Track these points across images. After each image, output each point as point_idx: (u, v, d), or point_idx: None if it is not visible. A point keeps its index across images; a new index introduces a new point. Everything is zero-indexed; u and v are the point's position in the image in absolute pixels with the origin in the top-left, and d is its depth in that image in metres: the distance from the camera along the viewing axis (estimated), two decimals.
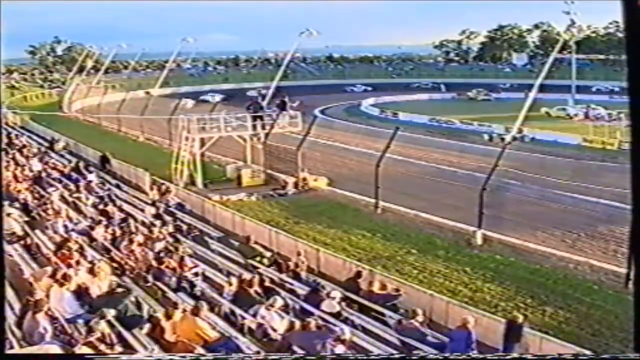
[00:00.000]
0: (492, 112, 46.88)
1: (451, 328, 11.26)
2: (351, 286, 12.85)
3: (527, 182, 21.94)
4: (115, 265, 12.81)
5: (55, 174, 22.72)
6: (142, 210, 18.84)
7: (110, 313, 9.40)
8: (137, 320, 9.91)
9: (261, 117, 25.59)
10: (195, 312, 9.77)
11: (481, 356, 9.90)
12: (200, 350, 9.13)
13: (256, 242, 15.52)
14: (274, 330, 10.23)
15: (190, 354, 8.95)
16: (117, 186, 22.51)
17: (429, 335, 10.71)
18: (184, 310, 9.79)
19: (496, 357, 9.76)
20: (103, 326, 8.84)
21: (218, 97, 52.86)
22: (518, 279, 14.84)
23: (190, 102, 45.68)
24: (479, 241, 17.28)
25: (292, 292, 12.46)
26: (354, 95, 63.93)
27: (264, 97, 26.45)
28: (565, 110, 48.75)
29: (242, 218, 18.40)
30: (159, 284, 12.00)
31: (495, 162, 18.09)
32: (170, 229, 16.33)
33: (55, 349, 8.34)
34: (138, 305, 10.26)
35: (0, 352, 8.01)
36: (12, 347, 8.43)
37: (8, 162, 22.02)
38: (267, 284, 12.19)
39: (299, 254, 14.38)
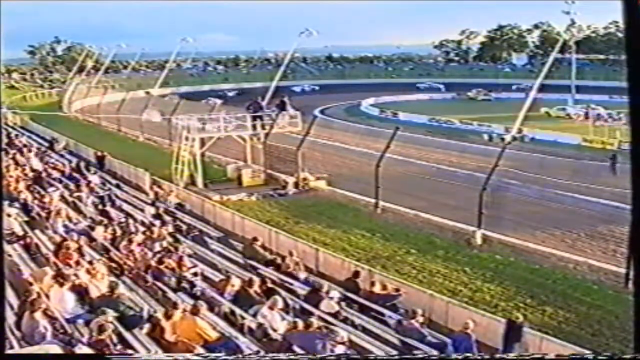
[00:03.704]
0: (492, 112, 46.92)
1: (451, 328, 11.27)
2: (350, 286, 12.85)
3: (527, 182, 21.97)
4: (114, 265, 12.81)
5: (56, 174, 22.71)
6: (142, 210, 18.84)
7: (111, 313, 9.41)
8: (137, 320, 9.91)
9: (261, 117, 25.60)
10: (195, 311, 9.78)
11: (481, 356, 9.91)
12: (200, 350, 9.13)
13: (261, 246, 15.45)
14: (274, 330, 10.22)
15: (190, 354, 8.95)
16: (117, 186, 22.51)
17: (429, 335, 10.71)
18: (184, 310, 9.79)
19: (496, 357, 9.75)
20: (110, 326, 8.86)
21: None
22: (518, 279, 14.84)
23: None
24: (479, 241, 17.29)
25: (291, 291, 12.46)
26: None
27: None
28: (565, 110, 48.79)
29: (242, 218, 18.40)
30: (158, 284, 11.99)
31: (495, 162, 18.10)
32: (170, 229, 16.33)
33: (55, 349, 8.34)
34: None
35: (0, 352, 8.00)
36: (12, 347, 8.43)
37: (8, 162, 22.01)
38: (264, 284, 12.15)
39: (291, 254, 14.35)
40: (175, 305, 9.91)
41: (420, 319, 10.88)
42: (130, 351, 8.74)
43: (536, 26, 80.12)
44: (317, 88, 68.76)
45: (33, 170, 22.29)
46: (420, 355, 9.74)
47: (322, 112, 49.11)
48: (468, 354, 9.85)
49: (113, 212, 17.85)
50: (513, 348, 10.27)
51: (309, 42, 53.39)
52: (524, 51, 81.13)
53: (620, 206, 15.70)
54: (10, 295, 9.95)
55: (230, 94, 61.15)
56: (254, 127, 25.30)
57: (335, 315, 11.24)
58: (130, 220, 16.54)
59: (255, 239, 15.38)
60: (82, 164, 24.85)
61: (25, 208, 16.72)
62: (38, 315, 8.85)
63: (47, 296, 9.83)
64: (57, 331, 9.03)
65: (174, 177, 23.88)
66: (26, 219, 15.82)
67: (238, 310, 10.89)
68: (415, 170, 24.67)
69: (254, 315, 10.64)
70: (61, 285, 10.14)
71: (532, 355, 10.22)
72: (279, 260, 14.63)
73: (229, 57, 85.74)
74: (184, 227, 17.22)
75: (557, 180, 22.92)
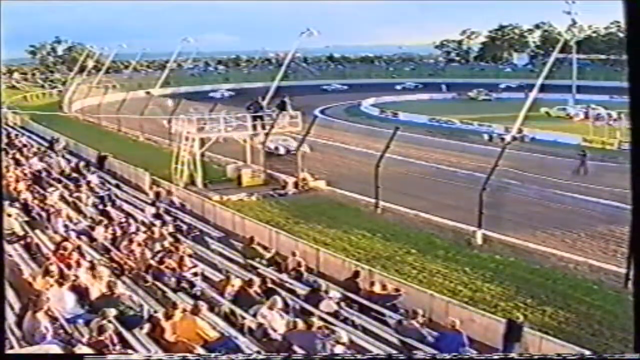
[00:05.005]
0: (492, 112, 46.90)
1: (459, 330, 11.26)
2: (351, 286, 12.85)
3: (527, 182, 21.99)
4: (115, 265, 12.82)
5: (55, 174, 22.72)
6: (142, 210, 18.84)
7: (111, 313, 9.41)
8: (137, 320, 9.92)
9: (261, 117, 25.60)
10: (195, 312, 9.78)
11: (481, 356, 9.91)
12: (200, 350, 9.13)
13: (258, 244, 15.49)
14: (274, 330, 10.23)
15: (190, 354, 8.96)
16: (117, 186, 22.51)
17: (429, 335, 10.70)
18: (184, 310, 9.80)
19: (496, 357, 9.76)
20: (109, 326, 8.87)
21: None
22: (518, 279, 14.84)
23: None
24: (479, 241, 17.28)
25: (291, 291, 12.46)
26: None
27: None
28: (565, 110, 48.75)
29: (242, 218, 18.41)
30: (158, 284, 12.00)
31: (495, 162, 18.10)
32: (170, 229, 16.33)
33: (56, 349, 8.35)
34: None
35: (0, 352, 8.01)
36: (12, 347, 8.44)
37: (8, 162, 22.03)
38: (265, 284, 12.16)
39: (293, 254, 14.37)
40: (175, 305, 9.92)
41: (420, 319, 10.90)
42: (130, 351, 8.75)
43: (537, 26, 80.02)
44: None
45: (33, 170, 22.29)
46: (420, 355, 9.74)
47: (322, 112, 49.09)
48: (467, 355, 9.87)
49: (113, 212, 17.85)
50: (513, 348, 10.28)
51: (310, 42, 53.33)
52: (525, 51, 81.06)
53: (620, 206, 15.72)
54: (10, 295, 9.97)
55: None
56: (254, 127, 25.30)
57: (334, 315, 11.25)
58: (131, 220, 16.56)
59: (252, 239, 15.40)
60: (82, 164, 24.85)
61: (26, 208, 16.74)
62: (40, 315, 8.86)
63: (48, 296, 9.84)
64: (57, 330, 9.05)
65: (174, 177, 23.90)
66: (26, 219, 15.84)
67: (238, 310, 10.90)
68: (416, 170, 24.68)
69: (254, 315, 10.64)
70: (61, 285, 10.16)
71: (532, 355, 10.24)
72: (279, 260, 14.67)
73: (230, 57, 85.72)
74: (184, 227, 17.23)
75: (557, 180, 22.94)
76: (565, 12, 50.55)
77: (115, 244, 14.22)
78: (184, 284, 12.21)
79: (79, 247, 13.04)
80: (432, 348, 10.16)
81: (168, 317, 9.60)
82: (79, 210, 17.74)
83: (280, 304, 10.75)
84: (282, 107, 26.69)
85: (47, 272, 10.58)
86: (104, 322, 9.00)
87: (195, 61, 78.99)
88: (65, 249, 12.49)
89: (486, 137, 38.69)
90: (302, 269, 13.91)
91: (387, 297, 12.34)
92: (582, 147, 31.94)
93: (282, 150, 25.73)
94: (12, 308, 9.58)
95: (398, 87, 68.87)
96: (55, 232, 14.86)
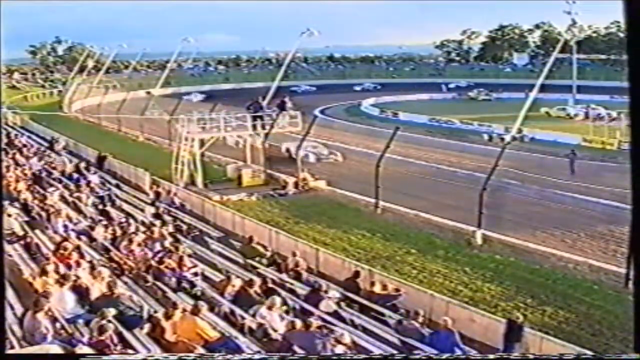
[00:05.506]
0: (492, 112, 46.89)
1: (451, 329, 11.27)
2: (351, 286, 12.86)
3: (527, 182, 22.00)
4: (115, 265, 12.82)
5: (56, 174, 22.73)
6: (142, 210, 18.85)
7: (111, 313, 9.41)
8: (137, 320, 9.92)
9: (261, 117, 25.60)
10: (195, 312, 9.78)
11: (481, 356, 9.92)
12: (200, 350, 9.13)
13: (257, 243, 15.50)
14: (274, 330, 10.23)
15: (190, 354, 8.95)
16: (117, 186, 22.52)
17: (429, 335, 10.71)
18: (184, 310, 9.80)
19: (496, 357, 9.76)
20: (110, 326, 8.88)
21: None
22: (518, 279, 14.84)
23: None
24: (479, 241, 17.28)
25: (291, 291, 12.46)
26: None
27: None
28: (565, 110, 48.73)
29: (242, 218, 18.42)
30: (159, 284, 12.00)
31: (495, 162, 18.10)
32: (170, 229, 16.34)
33: (56, 349, 8.35)
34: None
35: (0, 352, 8.02)
36: (12, 347, 8.44)
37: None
38: (265, 284, 12.16)
39: (293, 254, 14.38)
40: (175, 305, 9.92)
41: (421, 319, 10.90)
42: (130, 351, 8.75)
43: (537, 26, 79.97)
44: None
45: (33, 169, 22.29)
46: (420, 355, 9.75)
47: (322, 112, 49.06)
48: (464, 355, 9.89)
49: (113, 212, 17.86)
50: (513, 348, 10.29)
51: (310, 42, 53.35)
52: (525, 51, 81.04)
53: (620, 206, 15.72)
54: (10, 295, 9.97)
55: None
56: (254, 127, 25.30)
57: (334, 315, 11.25)
58: (131, 220, 16.56)
59: (251, 239, 15.39)
60: (82, 164, 24.86)
61: (25, 208, 16.74)
62: (40, 315, 8.86)
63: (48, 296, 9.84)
64: (58, 330, 9.05)
65: (174, 177, 23.89)
66: (26, 219, 15.84)
67: (238, 310, 10.90)
68: (416, 170, 24.69)
69: (254, 315, 10.64)
70: (61, 285, 10.16)
71: (532, 355, 10.25)
72: (279, 260, 14.67)
73: (230, 57, 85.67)
74: (184, 227, 17.24)
75: (557, 180, 22.94)
76: (566, 12, 50.59)
77: (115, 244, 14.22)
78: (184, 284, 12.21)
79: (78, 247, 13.04)
80: (425, 346, 10.19)
81: (168, 317, 9.60)
82: (79, 210, 17.75)
83: (278, 304, 10.75)
84: (282, 106, 26.71)
85: (44, 272, 10.59)
86: (104, 322, 9.00)
87: (196, 61, 78.91)
88: (65, 249, 12.50)
89: (486, 137, 38.65)
90: (302, 269, 13.92)
91: (387, 297, 12.35)
92: (581, 147, 31.97)
93: (312, 158, 25.54)
94: (12, 308, 9.58)
95: (357, 88, 68.78)
96: (55, 232, 14.86)
